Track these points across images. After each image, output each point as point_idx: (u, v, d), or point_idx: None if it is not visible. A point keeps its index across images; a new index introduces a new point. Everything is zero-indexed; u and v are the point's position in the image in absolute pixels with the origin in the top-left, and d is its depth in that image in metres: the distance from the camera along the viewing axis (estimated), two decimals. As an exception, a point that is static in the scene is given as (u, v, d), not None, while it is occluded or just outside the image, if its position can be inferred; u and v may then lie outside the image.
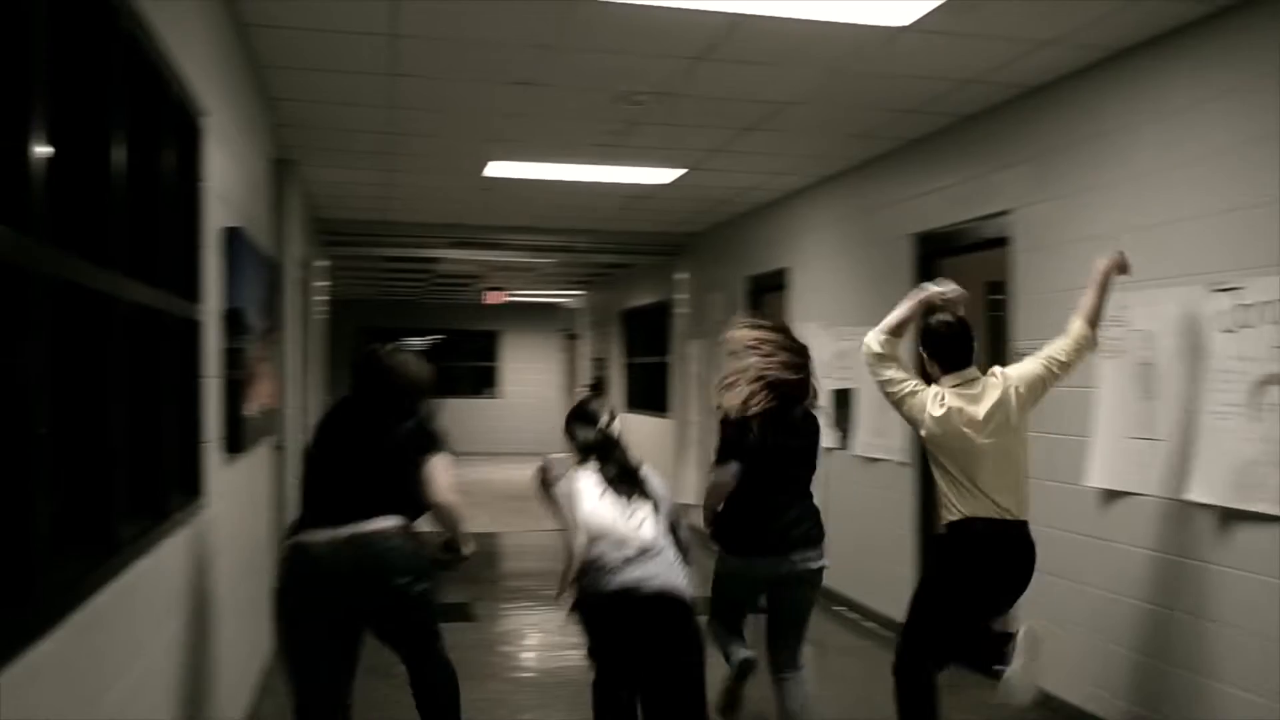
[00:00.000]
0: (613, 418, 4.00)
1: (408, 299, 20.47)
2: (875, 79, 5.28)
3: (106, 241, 2.52)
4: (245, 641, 4.99)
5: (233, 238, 4.29)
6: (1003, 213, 5.62)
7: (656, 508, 3.76)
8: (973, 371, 4.19)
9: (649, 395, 13.29)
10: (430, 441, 3.84)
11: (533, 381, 21.25)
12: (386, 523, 3.66)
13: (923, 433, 4.16)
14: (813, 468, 4.41)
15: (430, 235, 10.73)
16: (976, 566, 4.09)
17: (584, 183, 8.12)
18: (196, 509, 3.60)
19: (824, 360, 7.51)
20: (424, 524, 3.88)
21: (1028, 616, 4.43)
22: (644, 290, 13.46)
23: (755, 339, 4.26)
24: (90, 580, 2.32)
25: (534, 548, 10.45)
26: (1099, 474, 4.82)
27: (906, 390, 4.20)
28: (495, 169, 7.66)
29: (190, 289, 3.56)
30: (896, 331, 4.29)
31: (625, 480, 3.78)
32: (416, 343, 21.84)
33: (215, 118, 3.95)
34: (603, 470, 3.80)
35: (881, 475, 6.91)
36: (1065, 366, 4.24)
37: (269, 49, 4.95)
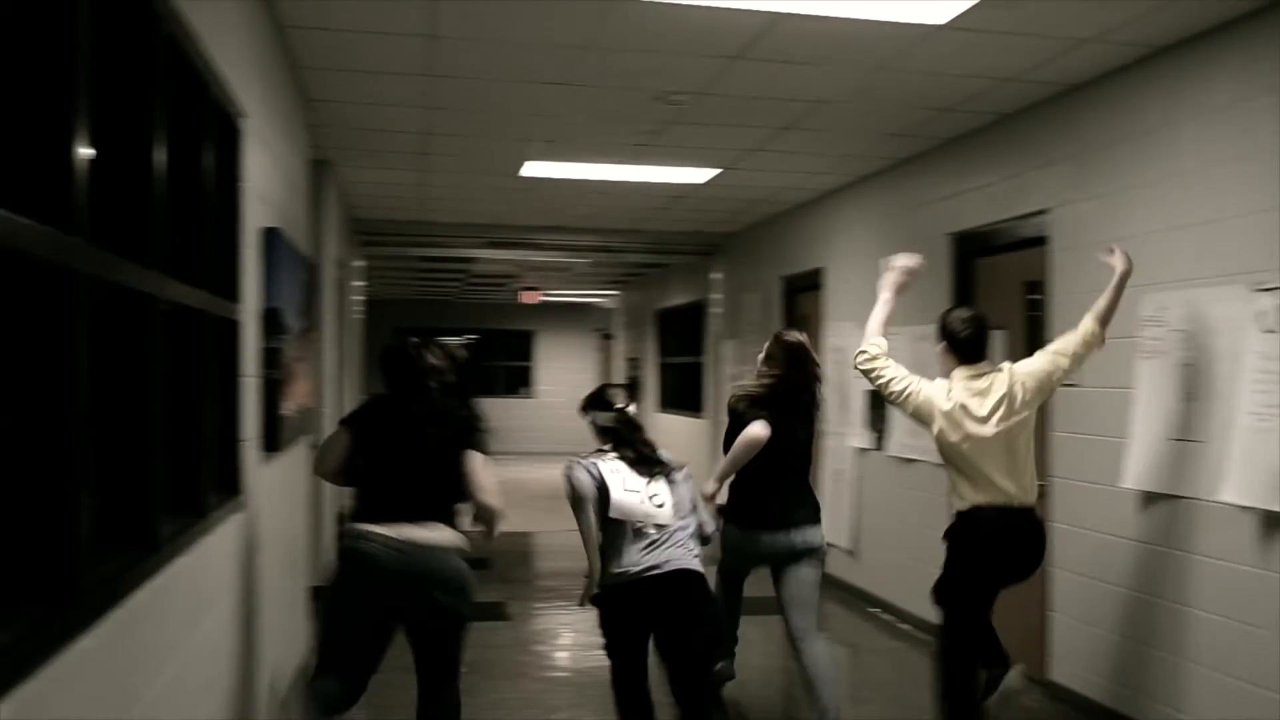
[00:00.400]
0: (630, 401, 4.16)
1: (443, 299, 20.57)
2: (913, 77, 5.24)
3: (147, 242, 2.55)
4: (281, 640, 5.03)
5: (271, 238, 4.32)
6: (1041, 212, 5.57)
7: (675, 486, 3.95)
8: (984, 365, 4.40)
9: (683, 395, 13.28)
10: (471, 437, 3.90)
11: (567, 381, 21.29)
12: (445, 535, 3.74)
13: (934, 429, 4.34)
14: (810, 459, 4.89)
15: (466, 235, 10.78)
16: (987, 552, 4.30)
17: (620, 182, 8.12)
18: (234, 507, 3.63)
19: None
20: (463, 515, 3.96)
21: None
22: (679, 290, 13.45)
23: (781, 347, 4.80)
24: (130, 578, 2.35)
25: (567, 547, 10.44)
26: (1136, 476, 4.76)
27: (909, 390, 4.44)
28: (532, 169, 7.67)
29: (229, 289, 3.59)
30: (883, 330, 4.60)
31: (644, 462, 3.96)
32: (453, 342, 21.98)
33: (254, 119, 3.98)
34: (622, 454, 3.97)
35: (917, 476, 6.86)
36: (1074, 360, 4.40)
37: (307, 50, 4.98)
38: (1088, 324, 4.41)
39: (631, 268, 14.47)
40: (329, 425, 7.51)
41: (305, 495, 6.21)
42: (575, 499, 3.91)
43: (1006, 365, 4.44)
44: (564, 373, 21.55)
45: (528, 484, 14.95)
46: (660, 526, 3.83)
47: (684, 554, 3.84)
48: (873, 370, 4.55)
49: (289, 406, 4.69)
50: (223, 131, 3.50)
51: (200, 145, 3.16)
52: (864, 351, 4.56)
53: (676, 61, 5.07)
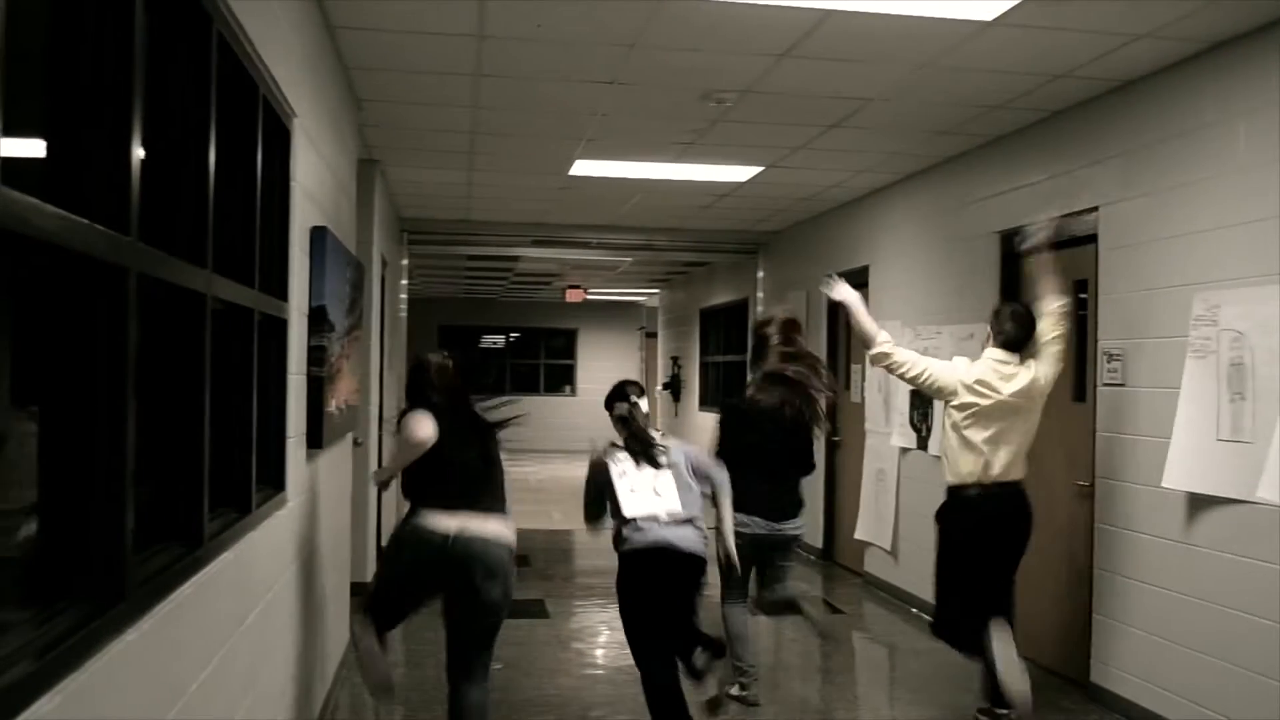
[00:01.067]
0: (641, 394, 4.69)
1: (487, 297, 20.69)
2: (960, 74, 5.20)
3: (198, 240, 2.58)
4: (324, 635, 5.08)
5: (319, 237, 4.36)
6: (1090, 210, 5.50)
7: (675, 467, 4.47)
8: (1015, 358, 4.84)
9: (727, 394, 13.24)
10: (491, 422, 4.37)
11: (609, 380, 21.25)
12: (496, 529, 4.06)
13: (956, 400, 4.77)
14: (798, 456, 5.30)
15: (511, 234, 10.82)
16: (974, 524, 4.75)
17: (664, 180, 8.12)
18: (279, 503, 3.67)
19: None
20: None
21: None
22: (722, 288, 13.42)
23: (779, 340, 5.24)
24: (176, 573, 2.37)
25: (607, 546, 10.48)
26: (1176, 476, 4.68)
27: (928, 372, 4.89)
28: (581, 168, 7.69)
29: (277, 287, 3.62)
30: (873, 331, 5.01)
31: (645, 453, 4.47)
32: (490, 342, 22.15)
33: (303, 119, 4.02)
34: (629, 444, 4.51)
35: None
36: (1062, 339, 4.87)
37: (356, 50, 5.03)
38: (1050, 304, 4.88)
39: (675, 266, 14.46)
40: (373, 423, 7.59)
41: (349, 492, 6.27)
42: (594, 472, 4.57)
43: (1033, 364, 4.84)
44: (606, 371, 21.51)
45: (568, 481, 14.97)
46: (668, 515, 4.36)
47: (679, 533, 4.35)
48: (892, 365, 4.94)
49: (334, 404, 4.74)
50: (273, 132, 3.53)
51: (251, 145, 3.19)
52: (879, 353, 4.97)
53: (724, 59, 5.06)
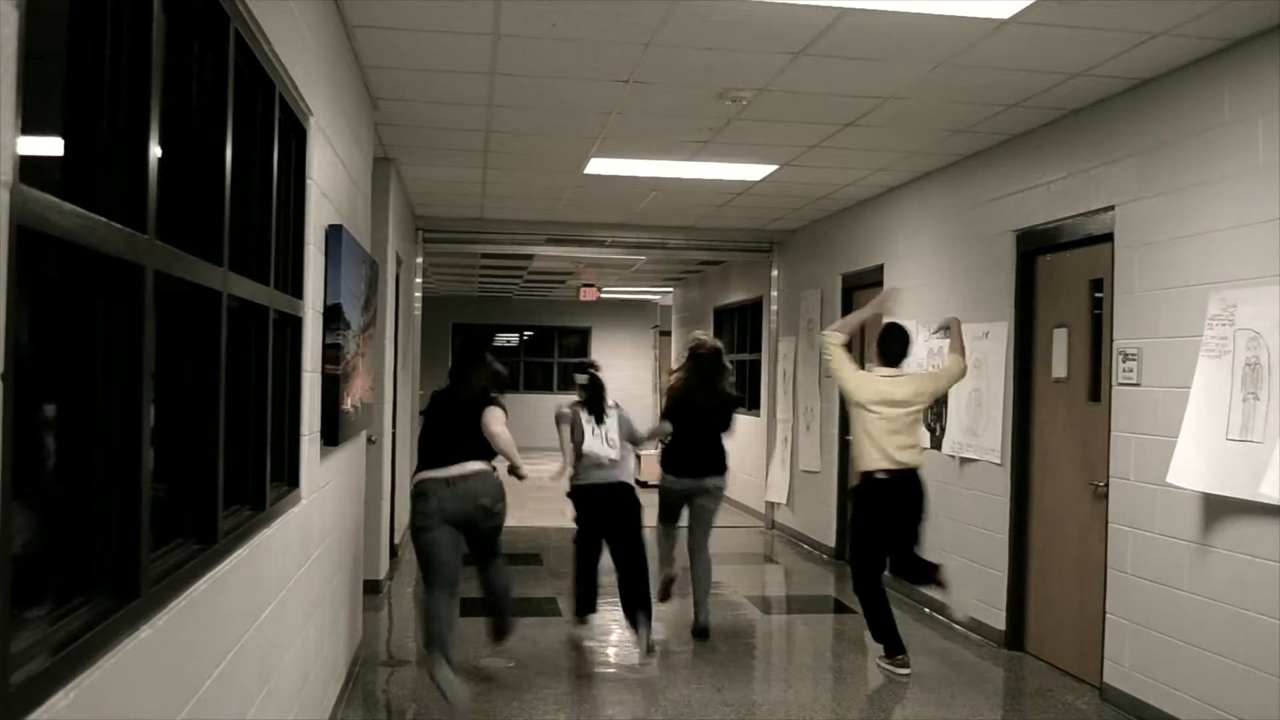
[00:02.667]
0: (597, 369, 6.38)
1: (501, 295, 20.71)
2: (977, 72, 5.18)
3: (215, 239, 2.59)
4: (338, 633, 5.09)
5: (334, 235, 4.37)
6: (1107, 208, 5.47)
7: (620, 421, 6.19)
8: (899, 370, 5.97)
9: (740, 393, 13.22)
10: (488, 400, 5.47)
11: (623, 378, 21.32)
12: (475, 465, 5.31)
13: (853, 400, 5.91)
14: (725, 427, 6.78)
15: (525, 232, 10.83)
16: (879, 502, 5.85)
17: (679, 179, 8.12)
18: (293, 500, 3.68)
19: (918, 358, 7.41)
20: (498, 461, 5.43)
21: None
22: (736, 287, 13.41)
23: (694, 348, 6.83)
24: (190, 570, 2.38)
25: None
26: (1182, 474, 4.66)
27: (842, 373, 5.98)
28: (596, 166, 7.70)
29: (293, 285, 3.64)
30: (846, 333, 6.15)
31: (597, 410, 6.18)
32: (505, 341, 22.17)
33: (319, 118, 4.03)
34: (585, 403, 6.20)
35: (973, 475, 6.79)
36: (950, 384, 6.16)
37: (372, 49, 5.04)
38: (955, 360, 6.08)
39: (689, 264, 14.45)
40: (388, 420, 7.61)
41: (363, 489, 6.29)
42: (558, 418, 6.23)
43: (918, 376, 6.10)
44: (619, 369, 21.54)
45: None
46: (610, 460, 6.09)
47: (621, 473, 6.15)
48: (827, 348, 6.00)
49: (349, 401, 4.75)
50: (289, 130, 3.55)
51: (268, 144, 3.20)
52: (833, 334, 6.04)
53: (739, 58, 5.05)
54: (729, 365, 7.04)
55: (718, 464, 6.74)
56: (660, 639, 6.37)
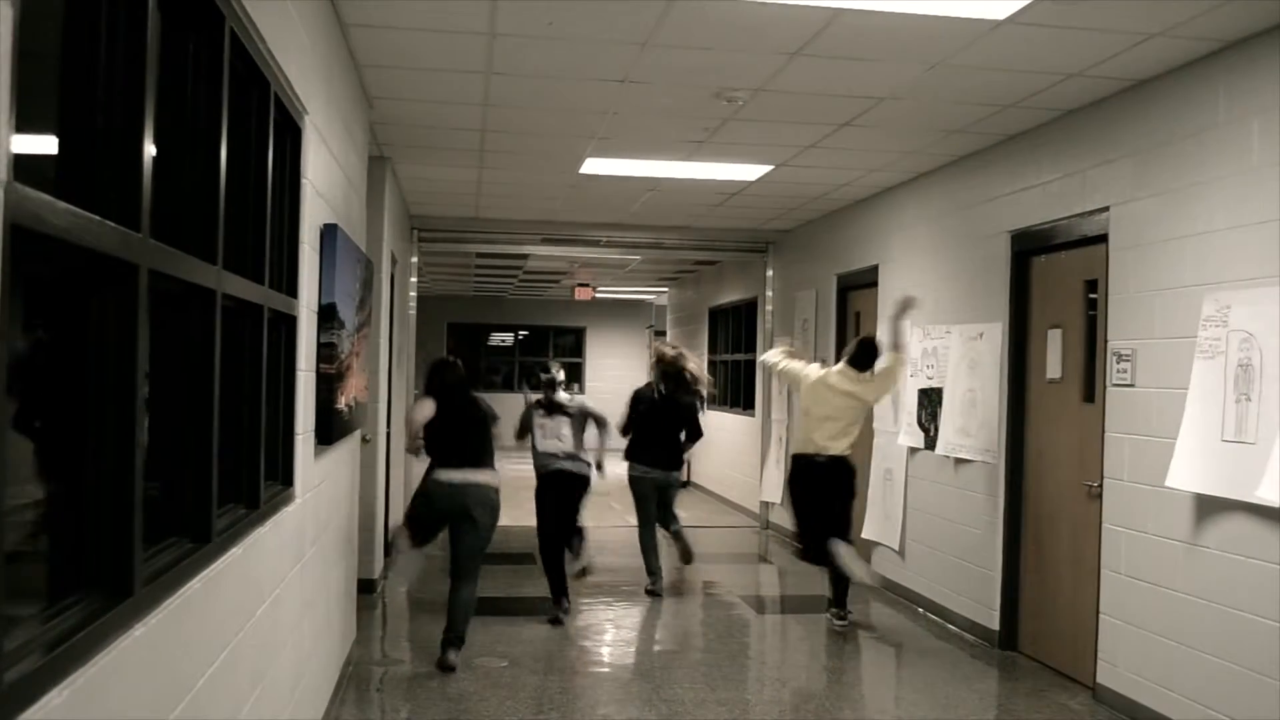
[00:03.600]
0: (559, 370, 7.28)
1: (496, 295, 20.70)
2: (972, 73, 5.18)
3: (209, 237, 2.59)
4: (331, 631, 5.09)
5: (329, 234, 4.37)
6: (1102, 209, 5.48)
7: (572, 418, 6.95)
8: (856, 372, 6.79)
9: (734, 393, 13.23)
10: (491, 418, 6.23)
11: (617, 378, 21.35)
12: (486, 477, 5.90)
13: (801, 388, 6.97)
14: (687, 427, 8.07)
15: (521, 232, 10.83)
16: (805, 480, 6.84)
17: (674, 179, 8.12)
18: (287, 499, 3.67)
19: (913, 358, 7.41)
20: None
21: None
22: (731, 287, 13.41)
23: (658, 358, 8.04)
24: (184, 569, 2.37)
25: (614, 543, 10.47)
26: (1181, 476, 4.67)
27: (784, 365, 7.25)
28: (591, 166, 7.69)
29: (288, 284, 3.63)
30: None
31: (552, 410, 7.00)
32: (500, 340, 22.15)
33: (314, 116, 4.03)
34: (543, 403, 7.03)
35: (967, 476, 6.79)
36: (890, 376, 6.88)
37: (367, 48, 5.03)
38: (890, 357, 6.82)
39: (684, 264, 14.45)
40: (382, 420, 7.60)
41: (357, 488, 6.28)
42: (521, 420, 7.12)
43: (869, 374, 6.81)
44: (614, 369, 21.59)
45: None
46: (565, 453, 6.89)
47: (571, 464, 6.91)
48: (772, 364, 7.37)
49: (343, 401, 4.74)
50: (284, 129, 3.54)
51: (263, 142, 3.20)
52: (769, 354, 7.54)
53: (735, 58, 5.06)
54: (693, 371, 7.94)
55: (677, 460, 8.08)
56: (659, 643, 6.49)
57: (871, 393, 6.79)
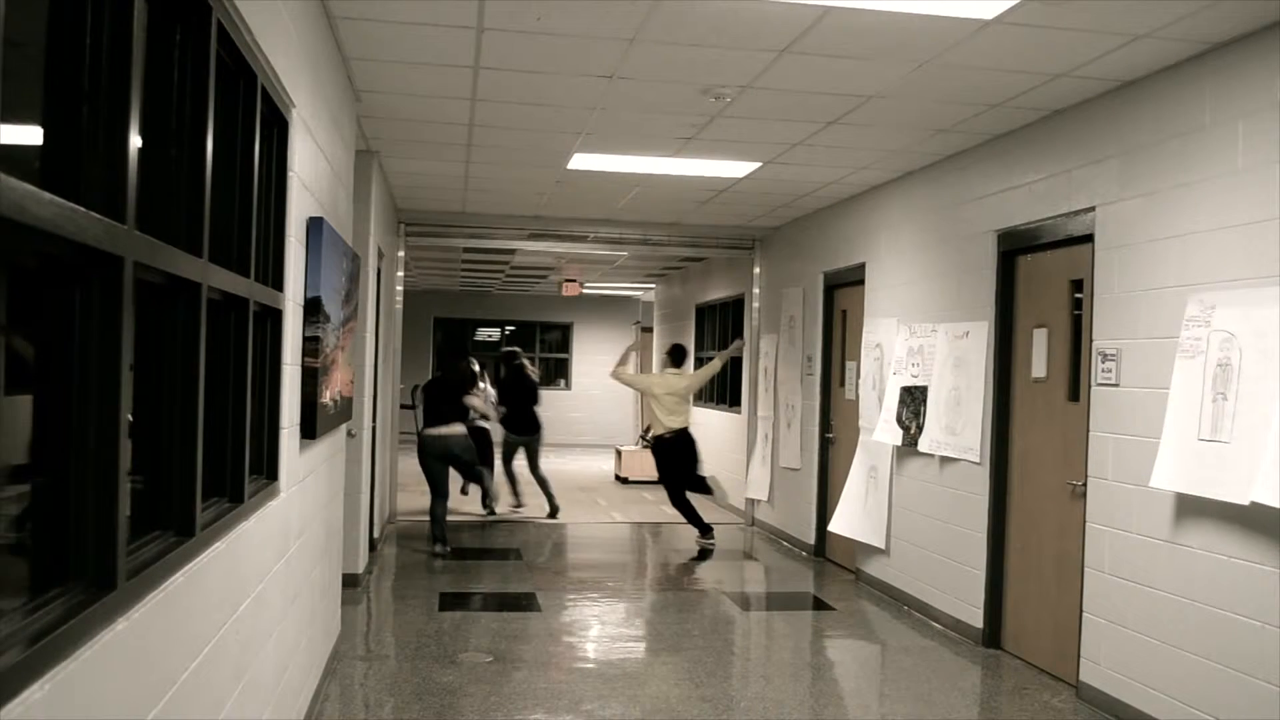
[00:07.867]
0: (477, 364, 10.78)
1: (483, 290, 20.65)
2: (960, 72, 5.20)
3: (194, 229, 2.58)
4: (315, 626, 5.08)
5: (316, 228, 4.35)
6: (1088, 209, 5.51)
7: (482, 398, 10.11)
8: (678, 369, 10.19)
9: (720, 390, 13.25)
10: (467, 388, 9.51)
11: (604, 374, 21.32)
12: (457, 428, 9.25)
13: (649, 391, 9.92)
14: (534, 401, 11.59)
15: (508, 227, 10.82)
16: (663, 451, 9.83)
17: (662, 175, 8.12)
18: (271, 493, 3.66)
19: (898, 356, 7.43)
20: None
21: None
22: (719, 284, 13.42)
23: (506, 357, 12.16)
24: (168, 563, 2.36)
25: (599, 539, 10.49)
26: (1165, 476, 4.69)
27: (640, 380, 10.57)
28: (579, 162, 7.69)
29: (273, 277, 3.62)
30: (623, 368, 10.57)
31: (447, 398, 9.54)
32: (487, 335, 22.09)
33: (301, 110, 4.01)
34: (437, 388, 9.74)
35: (951, 474, 6.82)
36: (706, 375, 10.40)
37: (355, 42, 5.02)
38: (711, 364, 10.39)
39: (671, 261, 14.45)
40: (367, 415, 7.58)
41: (343, 483, 6.26)
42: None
43: (684, 375, 10.12)
44: (601, 365, 21.51)
45: (563, 475, 14.98)
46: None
47: (451, 430, 9.31)
48: (620, 380, 10.43)
49: (328, 395, 4.73)
50: (271, 122, 3.53)
51: (249, 135, 3.18)
52: (613, 372, 10.45)
53: (724, 55, 5.06)
54: (526, 363, 11.84)
55: (535, 425, 11.47)
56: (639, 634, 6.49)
57: (683, 382, 9.91)
